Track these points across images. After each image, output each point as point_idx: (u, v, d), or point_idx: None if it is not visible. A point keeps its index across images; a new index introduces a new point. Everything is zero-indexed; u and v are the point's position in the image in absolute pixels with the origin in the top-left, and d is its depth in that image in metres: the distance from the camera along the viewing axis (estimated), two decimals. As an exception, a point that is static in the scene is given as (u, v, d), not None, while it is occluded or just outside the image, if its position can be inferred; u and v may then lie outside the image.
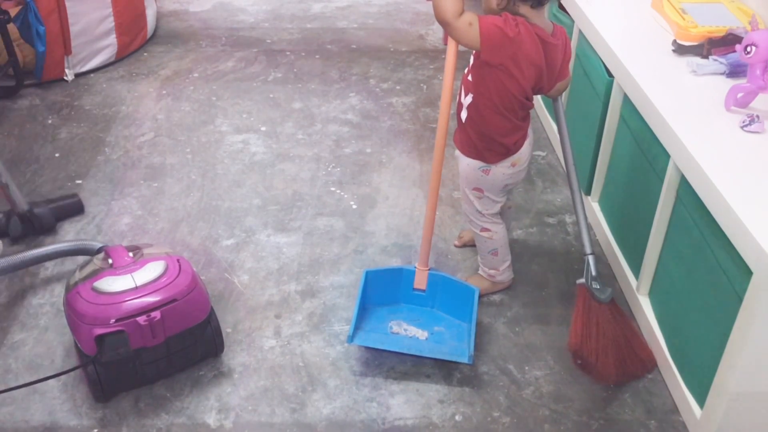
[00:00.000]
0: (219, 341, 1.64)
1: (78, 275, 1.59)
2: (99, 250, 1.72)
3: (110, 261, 1.57)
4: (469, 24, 1.46)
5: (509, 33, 1.46)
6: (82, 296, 1.50)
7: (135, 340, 1.47)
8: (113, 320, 1.45)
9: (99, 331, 1.45)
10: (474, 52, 1.56)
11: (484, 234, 1.76)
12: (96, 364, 1.49)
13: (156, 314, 1.47)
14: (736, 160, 1.47)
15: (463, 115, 1.64)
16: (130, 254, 1.59)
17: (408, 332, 1.69)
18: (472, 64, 1.59)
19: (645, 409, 1.57)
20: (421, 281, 1.74)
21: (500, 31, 1.46)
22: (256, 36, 3.29)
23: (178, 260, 1.59)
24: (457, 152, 1.72)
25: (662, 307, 1.69)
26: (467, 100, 1.62)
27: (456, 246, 2.01)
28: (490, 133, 1.62)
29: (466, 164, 1.68)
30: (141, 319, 1.46)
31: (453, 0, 1.45)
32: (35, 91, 2.78)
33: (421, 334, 1.68)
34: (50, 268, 1.91)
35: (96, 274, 1.55)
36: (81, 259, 1.80)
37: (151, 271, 1.54)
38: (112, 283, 1.51)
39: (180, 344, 1.56)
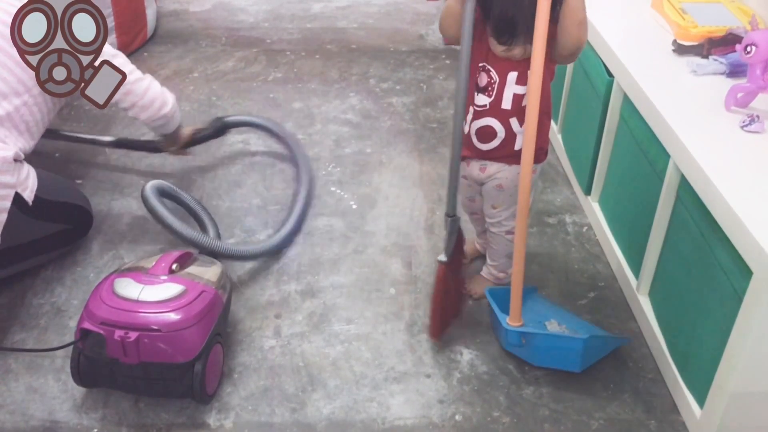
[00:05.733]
0: (199, 391, 1.50)
1: (129, 264, 1.60)
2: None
3: (152, 264, 1.57)
4: None
5: None
6: (104, 284, 1.51)
7: (111, 349, 1.44)
8: (100, 321, 1.45)
9: (86, 325, 1.45)
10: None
11: (509, 237, 1.74)
12: (79, 351, 1.50)
13: (132, 335, 1.42)
14: (736, 160, 1.47)
15: (519, 143, 1.59)
16: (174, 266, 1.56)
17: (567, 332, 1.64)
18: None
19: (645, 409, 1.57)
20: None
21: None
22: (256, 36, 3.29)
23: (201, 292, 1.51)
24: (496, 165, 1.67)
25: (662, 307, 1.69)
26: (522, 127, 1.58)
27: (465, 263, 1.95)
28: (545, 136, 1.62)
29: (516, 172, 1.62)
30: (117, 333, 1.43)
31: (587, 27, 1.45)
32: (35, 91, 2.78)
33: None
34: (50, 268, 1.91)
35: (129, 270, 1.56)
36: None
37: (162, 291, 1.49)
38: (125, 287, 1.49)
39: (158, 374, 1.48)
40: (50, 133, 2.28)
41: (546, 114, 1.62)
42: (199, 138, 2.23)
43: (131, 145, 2.34)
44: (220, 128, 2.28)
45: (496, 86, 1.56)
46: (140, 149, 2.32)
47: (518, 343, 1.61)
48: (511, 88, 1.56)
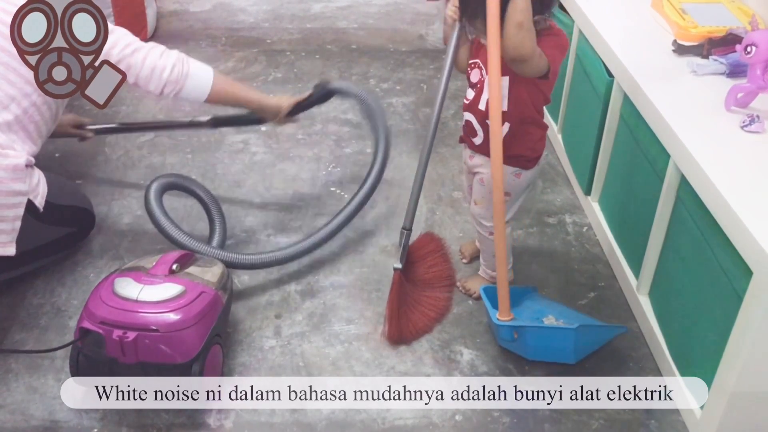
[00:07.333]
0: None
1: (129, 264, 1.60)
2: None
3: (152, 264, 1.56)
4: (540, 55, 1.46)
5: (567, 45, 1.53)
6: (104, 284, 1.51)
7: (110, 349, 1.44)
8: (99, 321, 1.44)
9: (86, 324, 1.45)
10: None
11: (491, 237, 1.74)
12: (79, 351, 1.50)
13: (130, 335, 1.42)
14: (736, 160, 1.47)
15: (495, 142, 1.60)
16: (174, 266, 1.56)
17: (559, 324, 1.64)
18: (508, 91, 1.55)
19: (645, 409, 1.57)
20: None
21: (564, 49, 1.51)
22: (256, 36, 3.29)
23: (201, 293, 1.51)
24: (481, 158, 1.68)
25: (662, 307, 1.69)
26: (504, 129, 1.57)
27: (465, 263, 1.97)
28: (532, 145, 1.63)
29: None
30: (115, 333, 1.43)
31: (532, 34, 1.43)
32: (35, 91, 2.78)
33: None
34: (50, 268, 1.91)
35: (129, 270, 1.56)
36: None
37: (161, 291, 1.49)
38: (124, 286, 1.49)
39: (156, 374, 1.48)
40: (133, 126, 2.42)
41: (533, 124, 1.61)
42: (302, 105, 2.08)
43: (231, 122, 2.23)
44: (324, 94, 2.12)
45: (484, 84, 1.59)
46: (242, 124, 2.25)
47: (510, 337, 1.61)
48: (487, 90, 1.57)
